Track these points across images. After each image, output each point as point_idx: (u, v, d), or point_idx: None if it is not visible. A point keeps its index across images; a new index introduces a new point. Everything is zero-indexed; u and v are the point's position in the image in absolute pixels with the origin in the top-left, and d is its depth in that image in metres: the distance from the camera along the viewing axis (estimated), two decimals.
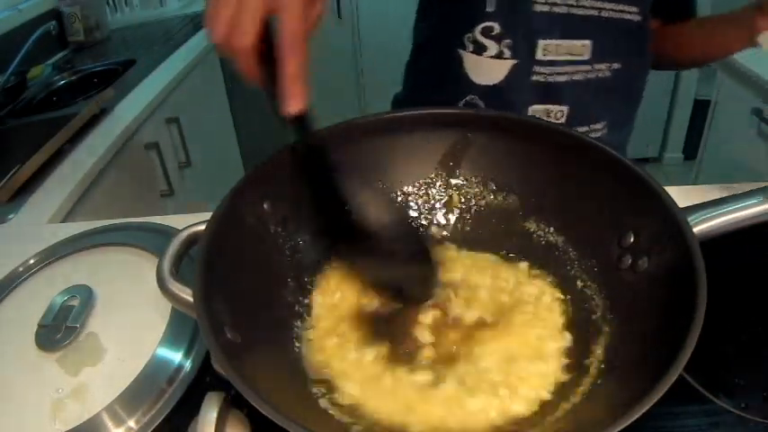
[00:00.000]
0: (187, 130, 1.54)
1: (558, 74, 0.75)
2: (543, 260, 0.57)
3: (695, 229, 0.44)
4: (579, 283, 0.54)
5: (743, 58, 1.57)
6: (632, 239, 0.50)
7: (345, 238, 0.53)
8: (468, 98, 0.79)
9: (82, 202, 1.07)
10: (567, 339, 0.50)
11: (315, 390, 0.47)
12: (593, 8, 0.72)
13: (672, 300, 0.42)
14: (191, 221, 0.49)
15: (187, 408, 0.49)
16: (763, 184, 0.50)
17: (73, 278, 0.61)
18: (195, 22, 1.92)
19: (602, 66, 0.76)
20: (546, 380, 0.47)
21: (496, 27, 0.72)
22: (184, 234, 0.48)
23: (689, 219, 0.45)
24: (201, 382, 0.52)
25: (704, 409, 0.48)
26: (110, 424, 0.48)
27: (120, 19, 2.00)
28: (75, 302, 0.57)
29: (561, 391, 0.46)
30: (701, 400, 0.49)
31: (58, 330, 0.55)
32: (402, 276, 0.54)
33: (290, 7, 0.40)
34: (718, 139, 1.76)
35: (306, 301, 0.55)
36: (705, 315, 0.37)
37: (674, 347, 0.36)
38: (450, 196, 0.62)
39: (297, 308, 0.53)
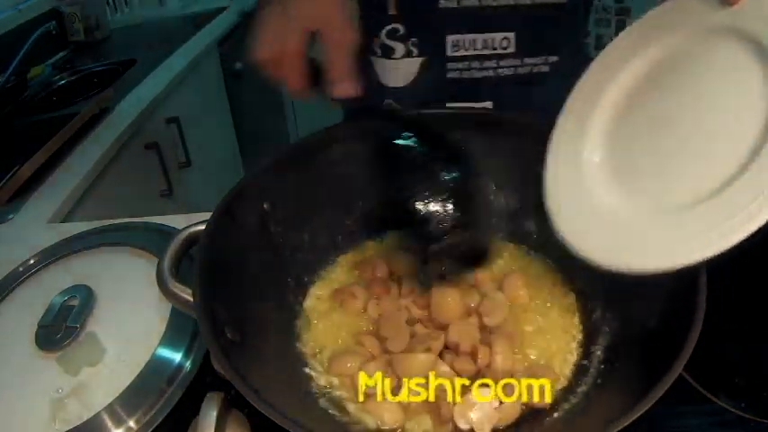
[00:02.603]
0: (187, 130, 1.54)
1: (476, 69, 0.72)
2: None
3: None
4: (579, 283, 0.54)
5: None
6: None
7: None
8: (385, 102, 0.77)
9: (82, 202, 1.07)
10: None
11: (315, 390, 0.47)
12: None
13: (672, 299, 0.43)
14: (191, 221, 0.49)
15: (187, 408, 0.48)
16: None
17: (73, 278, 0.61)
18: (195, 22, 1.92)
19: (536, 59, 0.73)
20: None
21: (401, 28, 0.71)
22: (184, 234, 0.48)
23: None
24: (201, 382, 0.52)
25: (704, 409, 0.48)
26: (110, 424, 0.48)
27: (120, 19, 2.00)
28: (75, 302, 0.57)
29: (561, 390, 0.47)
30: (701, 400, 0.48)
31: (58, 330, 0.55)
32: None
33: (330, 22, 0.50)
34: None
35: (306, 300, 0.55)
36: (705, 315, 0.37)
37: (674, 347, 0.36)
38: None
39: (297, 308, 0.53)
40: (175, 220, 0.72)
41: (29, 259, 0.66)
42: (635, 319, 0.47)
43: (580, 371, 0.47)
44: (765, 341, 0.54)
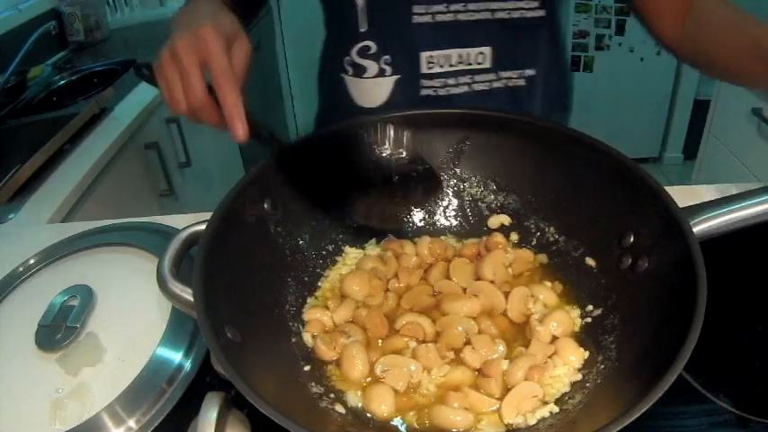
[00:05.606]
0: (187, 130, 1.54)
1: (452, 86, 0.70)
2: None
3: (695, 229, 0.44)
4: (580, 285, 0.54)
5: None
6: (632, 239, 0.50)
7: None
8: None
9: (82, 202, 1.07)
10: None
11: (315, 390, 0.47)
12: (483, 11, 0.65)
13: (672, 300, 0.43)
14: (191, 221, 0.49)
15: (187, 408, 0.49)
16: (763, 185, 0.50)
17: (73, 278, 0.61)
18: None
19: (511, 73, 0.70)
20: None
21: (373, 46, 0.68)
22: (184, 234, 0.48)
23: (689, 219, 0.45)
24: (201, 382, 0.52)
25: (704, 409, 0.48)
26: (110, 424, 0.48)
27: (120, 19, 2.00)
28: (75, 302, 0.57)
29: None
30: (701, 400, 0.49)
31: (58, 330, 0.55)
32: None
33: (214, 55, 0.47)
34: (718, 139, 1.76)
35: (306, 300, 0.55)
36: (705, 315, 0.37)
37: (674, 347, 0.36)
38: (451, 197, 0.62)
39: (297, 307, 0.53)
40: (175, 220, 0.72)
41: (29, 259, 0.66)
42: (635, 318, 0.47)
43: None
44: (765, 341, 0.54)
